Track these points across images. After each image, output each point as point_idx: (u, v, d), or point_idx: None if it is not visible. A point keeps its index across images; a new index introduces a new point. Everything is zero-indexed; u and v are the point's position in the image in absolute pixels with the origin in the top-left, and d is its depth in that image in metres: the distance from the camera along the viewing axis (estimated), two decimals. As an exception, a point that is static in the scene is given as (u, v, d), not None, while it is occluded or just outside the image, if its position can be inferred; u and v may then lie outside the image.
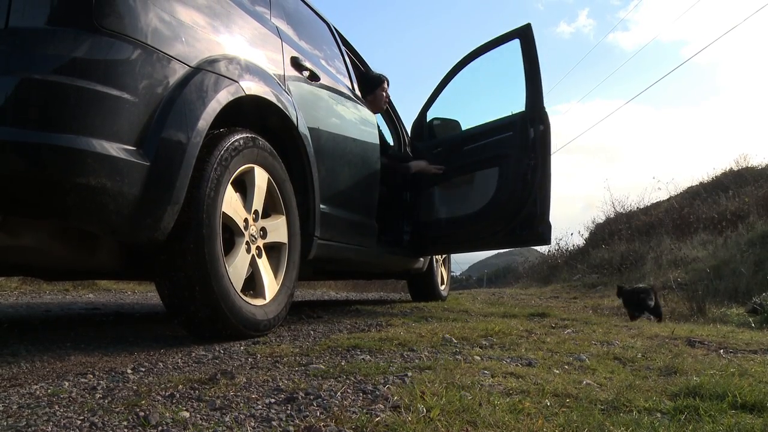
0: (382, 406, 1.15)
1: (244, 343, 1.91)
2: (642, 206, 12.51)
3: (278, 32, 2.40)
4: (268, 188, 2.14)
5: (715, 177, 11.63)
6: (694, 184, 11.90)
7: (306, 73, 2.52)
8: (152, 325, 2.58)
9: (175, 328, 2.35)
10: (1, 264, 2.13)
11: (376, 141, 3.27)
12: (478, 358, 1.78)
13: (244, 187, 2.04)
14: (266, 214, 2.16)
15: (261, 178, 2.09)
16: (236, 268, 1.90)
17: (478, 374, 1.49)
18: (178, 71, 1.70)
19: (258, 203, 2.08)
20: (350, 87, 3.21)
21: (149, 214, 1.60)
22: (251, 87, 1.98)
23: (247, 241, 1.99)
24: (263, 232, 2.10)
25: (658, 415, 1.22)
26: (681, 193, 11.91)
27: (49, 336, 2.11)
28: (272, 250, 2.18)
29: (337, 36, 3.40)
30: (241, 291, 1.92)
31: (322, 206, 2.51)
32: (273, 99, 2.11)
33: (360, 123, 3.12)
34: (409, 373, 1.45)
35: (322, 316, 2.99)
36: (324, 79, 2.71)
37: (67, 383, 1.31)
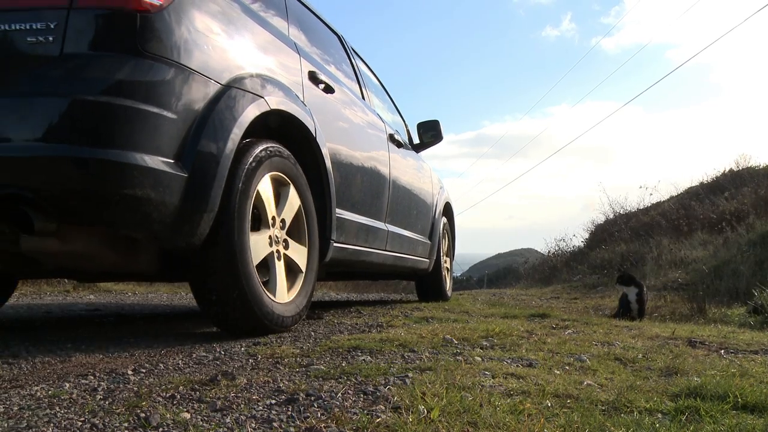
0: (383, 407, 1.15)
1: (245, 344, 1.91)
2: (641, 207, 12.52)
3: (296, 48, 2.54)
4: (290, 194, 2.27)
5: (715, 177, 11.62)
6: (694, 185, 11.91)
7: (322, 86, 2.65)
8: (153, 326, 2.58)
9: (175, 328, 2.35)
10: (51, 267, 2.19)
11: (386, 148, 3.44)
12: (479, 359, 1.78)
13: (271, 191, 2.17)
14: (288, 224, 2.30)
15: (284, 184, 2.24)
16: (256, 252, 2.01)
17: (478, 375, 1.49)
18: (211, 89, 1.83)
19: (283, 211, 2.22)
20: (360, 96, 3.37)
21: (187, 221, 1.74)
22: (275, 101, 2.13)
23: (270, 236, 2.13)
24: (285, 243, 2.25)
25: (659, 415, 1.22)
26: (681, 193, 11.91)
27: (50, 337, 2.11)
28: (294, 255, 2.31)
29: (348, 47, 3.55)
30: (266, 289, 2.06)
31: (337, 211, 2.64)
32: (294, 112, 2.25)
33: (370, 129, 3.27)
34: (410, 374, 1.45)
35: (323, 317, 2.99)
36: (338, 91, 2.85)
37: (67, 384, 1.31)
